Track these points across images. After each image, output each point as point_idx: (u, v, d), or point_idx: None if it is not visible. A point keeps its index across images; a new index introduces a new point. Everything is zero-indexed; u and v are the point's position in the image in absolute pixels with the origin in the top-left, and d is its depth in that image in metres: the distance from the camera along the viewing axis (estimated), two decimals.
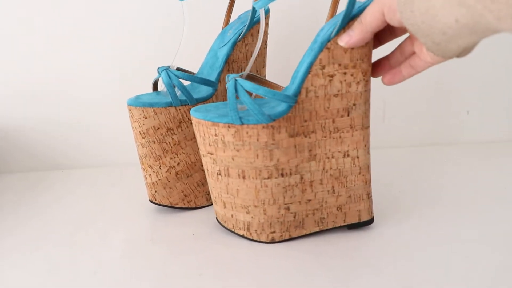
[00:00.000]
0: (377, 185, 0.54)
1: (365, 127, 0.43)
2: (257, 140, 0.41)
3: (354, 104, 0.42)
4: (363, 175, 0.44)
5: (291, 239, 0.45)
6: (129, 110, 0.49)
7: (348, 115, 0.42)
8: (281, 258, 0.42)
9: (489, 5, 0.26)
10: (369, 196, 0.45)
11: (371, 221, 0.46)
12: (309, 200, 0.44)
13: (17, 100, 0.69)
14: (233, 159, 0.42)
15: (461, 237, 0.45)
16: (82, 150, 0.72)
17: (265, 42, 0.56)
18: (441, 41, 0.31)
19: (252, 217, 0.44)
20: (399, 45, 0.40)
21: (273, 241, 0.45)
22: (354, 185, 0.44)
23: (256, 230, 0.45)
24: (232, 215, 0.45)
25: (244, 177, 0.42)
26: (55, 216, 0.55)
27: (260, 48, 0.56)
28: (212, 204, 0.55)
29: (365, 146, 0.43)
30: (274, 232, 0.44)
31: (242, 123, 0.40)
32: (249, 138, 0.41)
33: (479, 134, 0.75)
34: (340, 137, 0.42)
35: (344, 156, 0.43)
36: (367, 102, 0.42)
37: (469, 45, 0.32)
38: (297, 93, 0.40)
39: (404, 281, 0.38)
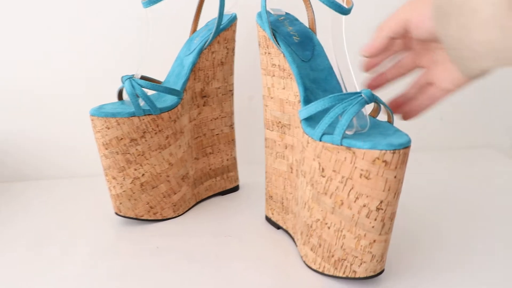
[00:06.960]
0: None
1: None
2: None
3: None
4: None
5: None
6: (92, 120, 0.48)
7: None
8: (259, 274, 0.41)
9: None
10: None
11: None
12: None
13: None
14: None
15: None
16: (47, 161, 0.70)
17: (232, 49, 0.55)
18: (468, 57, 0.32)
19: None
20: (414, 80, 0.42)
21: None
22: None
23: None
24: None
25: None
26: (18, 228, 0.53)
27: (227, 56, 0.55)
28: (179, 216, 0.54)
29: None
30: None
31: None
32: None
33: (452, 140, 0.76)
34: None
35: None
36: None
37: (490, 69, 0.33)
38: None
39: None
